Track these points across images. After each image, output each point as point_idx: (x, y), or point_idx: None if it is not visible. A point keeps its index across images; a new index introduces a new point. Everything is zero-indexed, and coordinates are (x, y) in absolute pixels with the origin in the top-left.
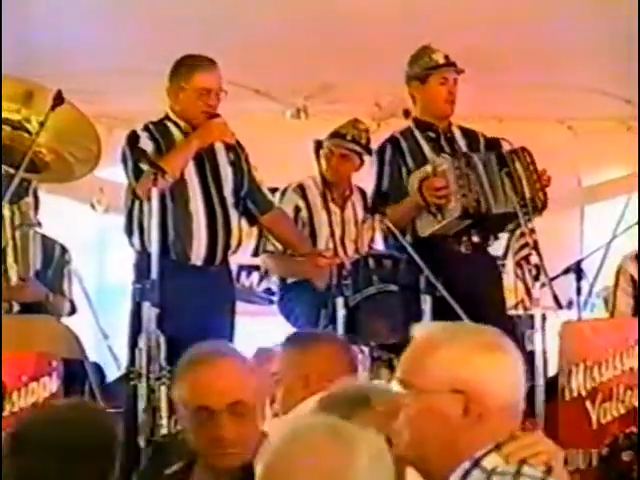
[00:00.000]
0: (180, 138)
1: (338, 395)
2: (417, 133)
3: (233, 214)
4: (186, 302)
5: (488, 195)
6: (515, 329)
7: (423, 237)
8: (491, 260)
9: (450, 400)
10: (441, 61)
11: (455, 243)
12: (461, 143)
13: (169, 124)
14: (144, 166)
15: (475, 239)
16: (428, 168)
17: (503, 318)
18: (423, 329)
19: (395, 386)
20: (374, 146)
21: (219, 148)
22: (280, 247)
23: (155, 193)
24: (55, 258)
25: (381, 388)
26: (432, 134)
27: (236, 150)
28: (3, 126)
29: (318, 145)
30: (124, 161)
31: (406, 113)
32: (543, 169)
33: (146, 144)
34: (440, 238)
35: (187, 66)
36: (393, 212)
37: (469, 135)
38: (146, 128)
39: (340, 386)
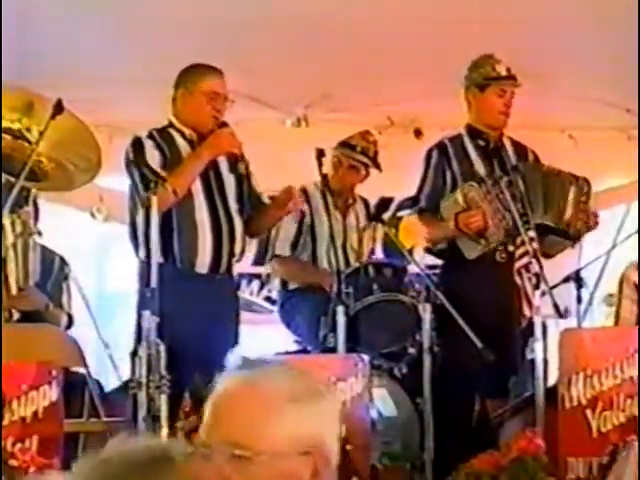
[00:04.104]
0: (184, 146)
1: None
2: (467, 140)
3: (237, 221)
4: (191, 310)
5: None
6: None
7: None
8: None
9: (299, 463)
10: (503, 73)
11: (492, 251)
12: (510, 155)
13: (173, 132)
14: (151, 175)
15: (510, 248)
16: (459, 198)
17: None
18: (233, 382)
19: (224, 449)
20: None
21: (221, 157)
22: (289, 252)
23: (155, 201)
24: (54, 271)
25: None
26: (482, 142)
27: (238, 158)
28: (4, 135)
29: (320, 153)
30: (129, 168)
31: (417, 133)
32: (595, 213)
33: (152, 154)
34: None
35: (195, 71)
36: (431, 229)
37: (518, 148)
38: (150, 136)
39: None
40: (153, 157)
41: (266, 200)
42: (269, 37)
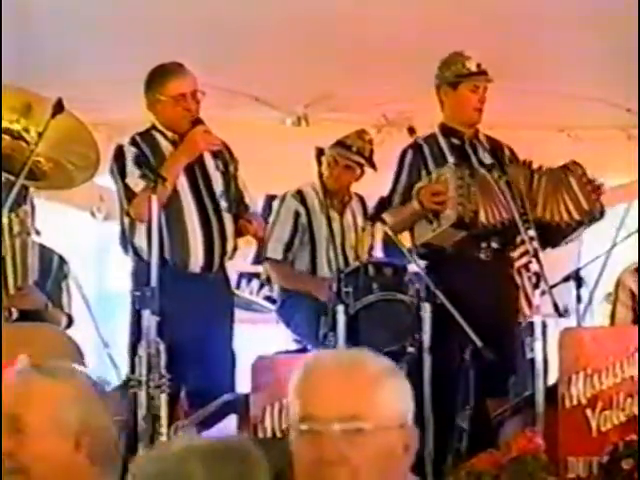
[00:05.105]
0: (167, 147)
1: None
2: (441, 139)
3: (227, 219)
4: (185, 309)
5: (492, 207)
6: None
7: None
8: (509, 267)
9: (398, 436)
10: (474, 69)
11: (475, 250)
12: (486, 152)
13: (156, 134)
14: (133, 183)
15: (495, 245)
16: (433, 176)
17: (516, 326)
18: (332, 360)
19: (338, 423)
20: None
21: (207, 154)
22: (281, 254)
23: (155, 199)
24: (53, 270)
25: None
26: (457, 141)
27: (224, 154)
28: (3, 135)
29: (319, 152)
30: (112, 176)
31: (410, 130)
32: (595, 179)
33: (132, 165)
34: (458, 245)
35: (158, 77)
36: (393, 216)
37: (494, 145)
38: (133, 142)
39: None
40: (133, 169)
41: (248, 202)
42: (269, 37)
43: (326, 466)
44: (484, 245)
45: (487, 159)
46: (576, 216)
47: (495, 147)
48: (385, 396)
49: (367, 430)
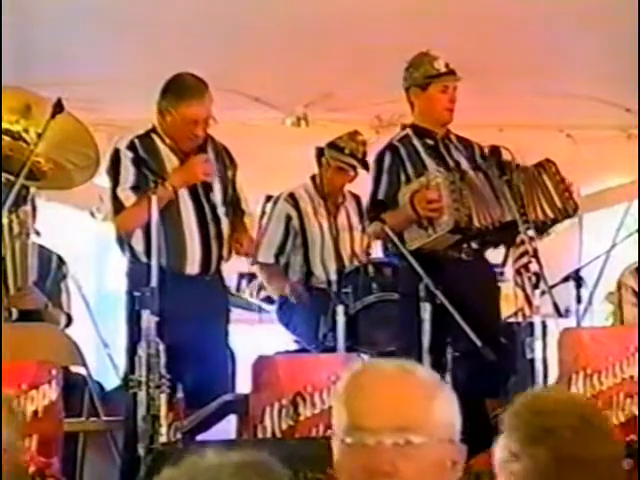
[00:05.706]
0: (166, 152)
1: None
2: (415, 140)
3: (225, 223)
4: (182, 311)
5: (483, 210)
6: (514, 337)
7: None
8: (488, 266)
9: (446, 451)
10: (442, 69)
11: (455, 250)
12: (458, 151)
13: (155, 138)
14: (123, 196)
15: (474, 245)
16: (422, 180)
17: (498, 325)
18: (384, 369)
19: (390, 434)
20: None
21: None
22: (272, 259)
23: (155, 200)
24: (52, 270)
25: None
26: (430, 141)
27: (223, 158)
28: (3, 136)
29: (319, 152)
30: (108, 179)
31: (403, 128)
32: (566, 179)
33: (126, 172)
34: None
35: (177, 90)
36: (391, 220)
37: (465, 143)
38: (131, 145)
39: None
40: (127, 177)
41: (245, 207)
42: (269, 37)
43: (375, 476)
44: (465, 246)
45: (462, 159)
46: (550, 214)
47: (466, 145)
48: (437, 408)
49: (418, 443)
